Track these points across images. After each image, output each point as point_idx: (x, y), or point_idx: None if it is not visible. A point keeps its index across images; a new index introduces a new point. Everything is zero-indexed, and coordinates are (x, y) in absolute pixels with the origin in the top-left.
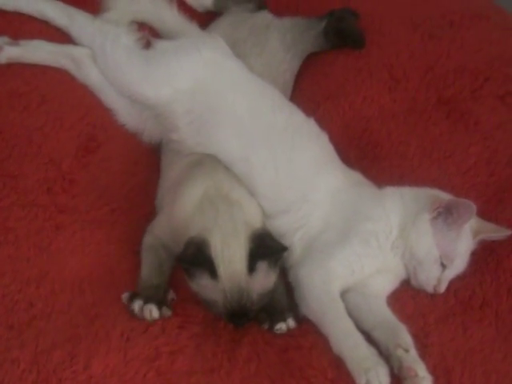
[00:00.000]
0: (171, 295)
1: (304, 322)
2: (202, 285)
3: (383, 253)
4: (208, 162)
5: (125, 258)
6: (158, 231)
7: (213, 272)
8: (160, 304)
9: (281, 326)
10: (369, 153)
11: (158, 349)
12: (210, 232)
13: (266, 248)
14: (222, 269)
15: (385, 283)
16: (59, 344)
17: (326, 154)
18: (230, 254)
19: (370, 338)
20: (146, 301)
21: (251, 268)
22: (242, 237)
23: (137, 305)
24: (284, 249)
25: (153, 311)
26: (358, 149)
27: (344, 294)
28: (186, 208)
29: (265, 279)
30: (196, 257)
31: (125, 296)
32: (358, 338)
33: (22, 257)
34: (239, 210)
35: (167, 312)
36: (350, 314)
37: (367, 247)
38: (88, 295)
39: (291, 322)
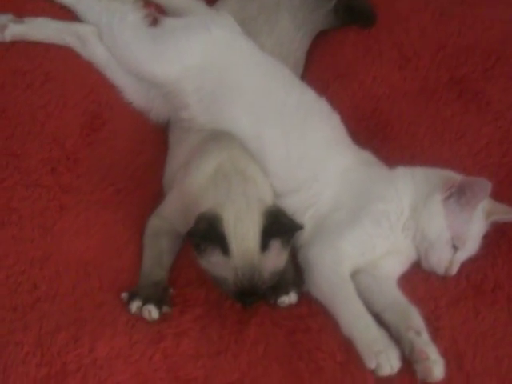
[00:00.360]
0: (170, 292)
1: (313, 303)
2: (213, 261)
3: (394, 234)
4: (224, 137)
5: (132, 240)
6: (166, 212)
7: (224, 248)
8: (159, 303)
9: (283, 300)
10: (379, 133)
11: (161, 332)
12: (223, 207)
13: (280, 225)
14: (234, 245)
15: (395, 265)
16: (63, 326)
17: (337, 133)
18: (243, 231)
19: (380, 321)
20: (145, 301)
21: (264, 246)
22: (255, 213)
23: (135, 306)
24: (299, 227)
25: (152, 312)
26: (368, 129)
27: (354, 276)
28: (198, 181)
29: (277, 258)
30: (208, 232)
31: (124, 296)
32: (369, 320)
33: (25, 238)
34: (253, 186)
35: (167, 310)
36: (360, 296)
37: (378, 228)
38: (94, 279)
39: (293, 297)
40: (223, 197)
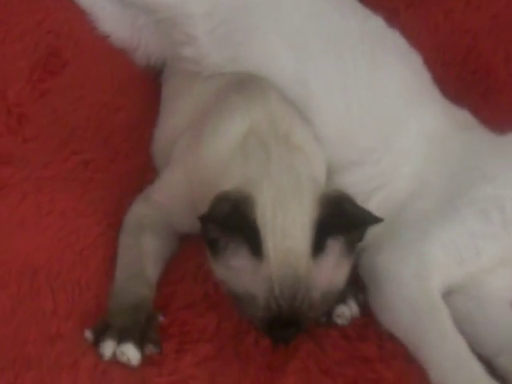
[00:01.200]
0: (159, 320)
1: (384, 339)
2: (235, 267)
3: (510, 234)
4: (254, 85)
5: (103, 238)
6: (161, 196)
7: (255, 247)
8: (141, 340)
9: (342, 310)
10: (477, 84)
11: (146, 381)
12: (257, 185)
13: (344, 218)
14: (270, 243)
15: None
16: None
17: (419, 81)
18: (287, 222)
19: (490, 368)
20: (121, 338)
21: (318, 248)
22: (306, 197)
23: (109, 348)
24: (375, 220)
25: (130, 356)
26: (460, 79)
27: (446, 298)
28: (217, 152)
29: (335, 269)
30: (231, 219)
31: (88, 336)
32: (476, 368)
33: None
34: (303, 158)
35: (153, 350)
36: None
37: (486, 224)
38: (46, 297)
39: (354, 307)
40: (258, 172)
